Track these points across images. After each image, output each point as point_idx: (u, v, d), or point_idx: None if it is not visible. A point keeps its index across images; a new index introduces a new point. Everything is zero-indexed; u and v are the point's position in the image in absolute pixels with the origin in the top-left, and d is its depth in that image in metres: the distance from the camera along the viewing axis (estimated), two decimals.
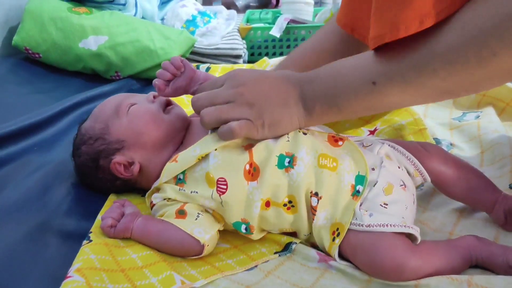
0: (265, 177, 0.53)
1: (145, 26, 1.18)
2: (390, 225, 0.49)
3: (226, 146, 0.55)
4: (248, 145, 0.55)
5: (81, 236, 0.55)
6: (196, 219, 0.54)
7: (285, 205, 0.54)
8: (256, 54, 1.46)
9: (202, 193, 0.54)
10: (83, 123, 0.66)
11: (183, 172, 0.56)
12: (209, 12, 1.49)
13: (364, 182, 0.52)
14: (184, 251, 0.53)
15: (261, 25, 1.50)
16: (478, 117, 0.84)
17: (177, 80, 0.60)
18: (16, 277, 0.48)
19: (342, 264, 0.51)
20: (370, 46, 0.47)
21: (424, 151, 0.59)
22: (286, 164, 0.53)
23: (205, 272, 0.51)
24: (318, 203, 0.52)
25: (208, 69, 1.18)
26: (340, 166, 0.53)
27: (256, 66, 1.17)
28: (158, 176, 0.58)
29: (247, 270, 0.52)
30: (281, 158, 0.53)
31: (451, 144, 0.77)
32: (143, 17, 1.36)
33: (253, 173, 0.53)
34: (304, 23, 1.44)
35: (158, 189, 0.59)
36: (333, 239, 0.52)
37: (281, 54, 1.44)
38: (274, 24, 1.41)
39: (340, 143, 0.57)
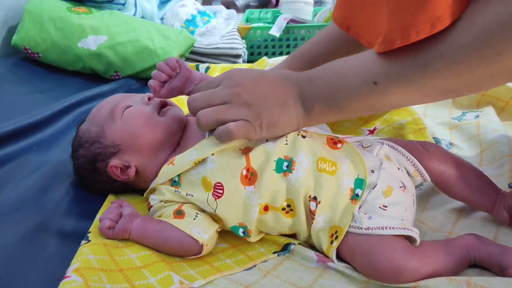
0: (263, 182, 0.52)
1: (145, 26, 1.18)
2: (389, 227, 0.49)
3: (224, 150, 0.54)
4: (246, 149, 0.55)
5: (79, 236, 0.55)
6: (195, 219, 0.54)
7: (283, 209, 0.53)
8: (255, 53, 1.46)
9: (198, 196, 0.54)
10: (81, 125, 0.66)
11: (178, 175, 0.56)
12: (209, 11, 1.49)
13: (363, 185, 0.52)
14: (183, 251, 0.53)
15: (261, 24, 1.50)
16: (477, 116, 0.83)
17: (172, 81, 0.60)
18: (14, 277, 0.48)
19: (340, 266, 0.51)
20: (376, 49, 0.46)
21: (424, 150, 0.59)
22: (284, 168, 0.53)
23: (204, 272, 0.51)
24: (317, 207, 0.52)
25: (207, 68, 1.17)
26: (339, 170, 0.53)
27: (256, 65, 1.17)
28: (155, 177, 0.58)
29: (246, 270, 0.52)
30: (279, 162, 0.53)
31: (450, 144, 0.77)
32: (142, 17, 1.36)
33: (250, 177, 0.53)
34: (303, 22, 1.43)
35: (154, 190, 0.59)
36: (331, 242, 0.51)
37: (280, 53, 1.44)
38: (273, 23, 1.41)
39: (339, 145, 0.56)
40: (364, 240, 0.49)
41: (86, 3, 1.21)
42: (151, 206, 0.59)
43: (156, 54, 1.14)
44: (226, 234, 0.58)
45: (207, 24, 1.41)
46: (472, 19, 0.39)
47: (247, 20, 1.56)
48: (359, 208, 0.51)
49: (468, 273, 0.49)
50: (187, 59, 1.29)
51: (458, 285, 0.44)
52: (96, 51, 1.11)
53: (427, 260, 0.48)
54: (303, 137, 0.55)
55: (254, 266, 0.53)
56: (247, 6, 1.93)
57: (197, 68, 1.14)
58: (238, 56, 1.32)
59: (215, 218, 0.56)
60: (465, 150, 0.75)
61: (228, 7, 1.70)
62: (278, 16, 1.46)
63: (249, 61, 1.36)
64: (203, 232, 0.53)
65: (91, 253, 0.50)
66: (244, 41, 1.40)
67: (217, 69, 1.16)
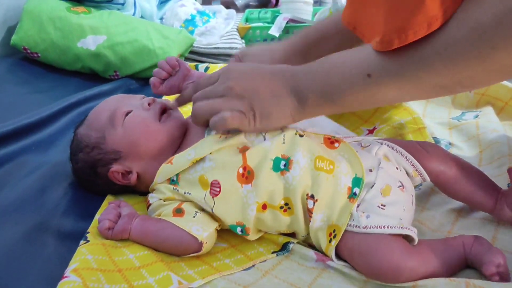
0: (260, 180, 0.53)
1: (144, 26, 1.18)
2: (387, 226, 0.49)
3: (222, 149, 0.55)
4: (244, 148, 0.55)
5: (78, 236, 0.55)
6: (194, 217, 0.54)
7: (281, 207, 0.54)
8: None
9: (196, 195, 0.55)
10: (78, 128, 0.65)
11: (177, 174, 0.57)
12: (208, 11, 1.49)
13: (361, 184, 0.52)
14: (182, 249, 0.53)
15: (260, 24, 1.50)
16: (477, 116, 0.84)
17: (171, 79, 0.63)
18: (13, 277, 0.48)
19: (339, 264, 0.51)
20: (374, 47, 0.46)
21: (423, 151, 0.59)
22: (282, 167, 0.53)
23: (203, 272, 0.51)
24: (314, 205, 0.52)
25: (207, 68, 1.17)
26: (337, 169, 0.53)
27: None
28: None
29: (245, 269, 0.52)
30: (276, 161, 0.53)
31: (450, 144, 0.77)
32: (142, 17, 1.36)
33: (247, 176, 0.53)
34: (303, 22, 1.43)
35: (153, 189, 0.59)
36: (330, 241, 0.52)
37: None
38: (273, 23, 1.41)
39: (336, 145, 0.57)
40: (362, 239, 0.49)
41: (85, 3, 1.21)
42: (150, 205, 0.59)
43: (155, 54, 1.14)
44: (225, 234, 0.58)
45: (206, 24, 1.41)
46: (467, 12, 0.39)
47: (247, 20, 1.56)
48: (357, 207, 0.51)
49: (467, 273, 0.49)
50: (187, 59, 1.29)
51: (457, 285, 0.44)
52: (95, 51, 1.11)
53: (425, 260, 0.48)
54: (301, 136, 0.55)
55: (253, 266, 0.53)
56: (247, 6, 1.93)
57: (197, 68, 1.14)
58: None
59: (214, 216, 0.56)
60: (464, 150, 0.75)
61: (227, 7, 1.70)
62: (277, 16, 1.46)
63: None
64: (203, 230, 0.53)
65: (89, 253, 0.50)
66: (243, 40, 1.40)
67: (216, 69, 1.16)
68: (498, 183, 0.58)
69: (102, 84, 1.07)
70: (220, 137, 0.56)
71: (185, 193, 0.56)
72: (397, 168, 0.56)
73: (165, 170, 0.57)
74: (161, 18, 1.49)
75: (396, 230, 0.49)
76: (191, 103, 0.58)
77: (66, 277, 0.45)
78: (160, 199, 0.57)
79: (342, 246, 0.51)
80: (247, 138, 0.55)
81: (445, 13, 0.40)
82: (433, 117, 0.88)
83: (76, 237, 0.54)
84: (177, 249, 0.54)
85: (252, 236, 0.56)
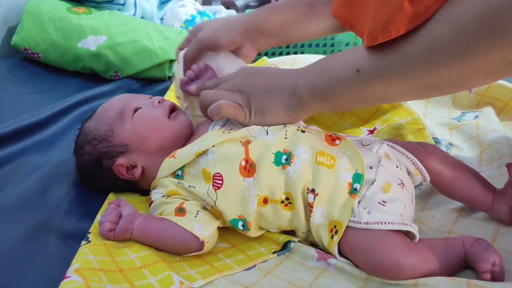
0: (261, 174, 0.53)
1: (144, 26, 1.18)
2: (388, 222, 0.49)
3: (224, 142, 0.56)
4: (246, 141, 0.56)
5: (79, 236, 0.55)
6: (196, 216, 0.54)
7: (282, 202, 0.54)
8: None
9: (199, 188, 0.55)
10: (86, 122, 0.67)
11: (181, 169, 0.58)
12: (209, 12, 1.49)
13: (361, 180, 0.52)
14: (184, 248, 0.53)
15: None
16: (477, 117, 0.84)
17: (199, 81, 0.65)
18: (14, 277, 0.48)
19: (341, 262, 0.51)
20: (363, 43, 0.48)
21: (423, 150, 0.59)
22: (283, 161, 0.54)
23: (204, 272, 0.51)
24: (314, 199, 0.52)
25: None
26: (338, 164, 0.54)
27: (256, 65, 1.17)
28: None
29: (246, 270, 0.52)
30: (278, 155, 0.54)
31: (450, 144, 0.77)
32: (142, 17, 1.36)
33: (249, 169, 0.54)
34: None
35: (156, 186, 0.60)
36: (332, 237, 0.52)
37: (280, 54, 1.43)
38: None
39: (337, 142, 0.57)
40: (363, 236, 0.49)
41: (86, 3, 1.21)
42: (152, 202, 0.59)
43: (155, 55, 1.14)
44: (226, 234, 0.58)
45: None
46: (449, 8, 0.40)
47: None
48: (358, 203, 0.52)
49: (467, 273, 0.49)
50: None
51: (458, 284, 0.44)
52: (95, 51, 1.11)
53: (426, 257, 0.48)
54: (303, 131, 0.56)
55: (254, 266, 0.53)
56: (247, 6, 1.93)
57: None
58: None
59: (215, 213, 0.56)
60: (464, 151, 0.75)
61: (227, 7, 1.70)
62: None
63: None
64: (204, 229, 0.53)
65: (91, 253, 0.50)
66: None
67: None
68: (498, 183, 0.58)
69: (102, 85, 1.08)
70: (223, 132, 0.57)
71: (189, 186, 0.56)
72: (397, 167, 0.57)
73: (168, 164, 0.58)
74: (162, 19, 1.50)
75: (397, 226, 0.49)
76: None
77: (68, 277, 0.45)
78: (163, 196, 0.58)
79: (343, 243, 0.51)
80: (250, 133, 0.56)
81: (427, 10, 0.40)
82: (433, 117, 0.88)
83: (77, 237, 0.55)
84: (179, 248, 0.54)
85: (253, 232, 0.56)
